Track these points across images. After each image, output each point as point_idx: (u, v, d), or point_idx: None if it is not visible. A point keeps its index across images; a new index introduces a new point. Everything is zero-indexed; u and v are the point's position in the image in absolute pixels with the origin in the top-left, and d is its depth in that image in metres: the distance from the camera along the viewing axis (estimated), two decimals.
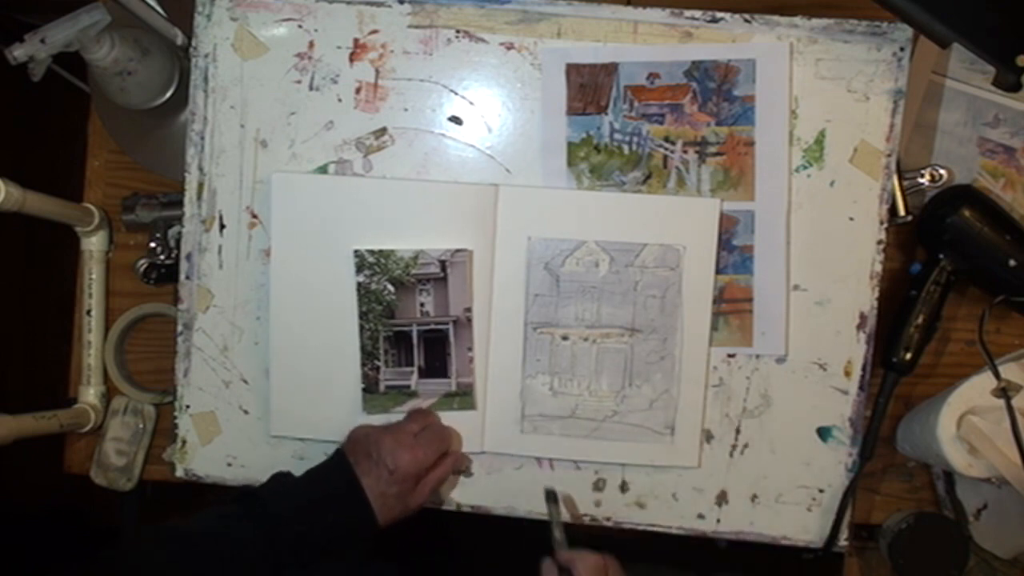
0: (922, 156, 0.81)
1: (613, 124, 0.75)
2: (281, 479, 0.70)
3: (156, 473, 0.88)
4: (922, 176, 0.80)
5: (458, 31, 0.75)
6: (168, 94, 0.82)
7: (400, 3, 0.75)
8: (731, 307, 0.75)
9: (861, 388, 0.75)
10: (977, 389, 0.73)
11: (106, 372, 0.88)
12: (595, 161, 0.75)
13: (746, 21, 0.73)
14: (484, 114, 0.76)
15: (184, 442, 0.78)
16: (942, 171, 0.80)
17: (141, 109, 0.82)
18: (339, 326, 0.74)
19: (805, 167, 0.74)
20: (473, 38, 0.75)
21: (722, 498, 0.76)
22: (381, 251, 0.74)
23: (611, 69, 0.74)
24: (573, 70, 0.75)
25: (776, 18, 0.73)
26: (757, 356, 0.75)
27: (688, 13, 0.74)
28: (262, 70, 0.76)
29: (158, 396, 0.87)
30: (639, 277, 0.74)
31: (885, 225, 0.74)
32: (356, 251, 0.73)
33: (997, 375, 0.71)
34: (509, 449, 0.76)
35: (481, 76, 0.75)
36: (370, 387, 0.75)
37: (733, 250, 0.75)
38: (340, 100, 0.76)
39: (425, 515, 0.73)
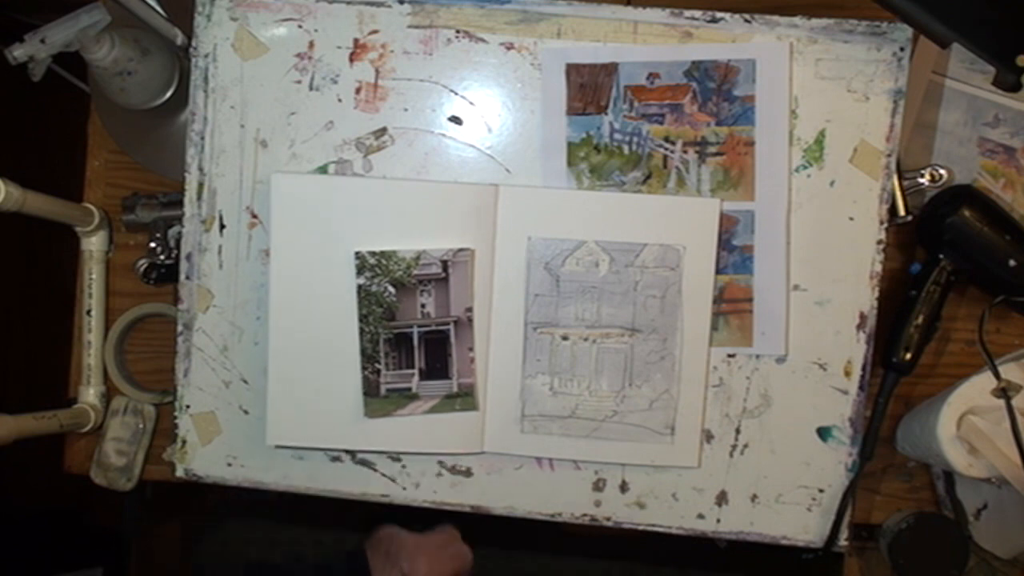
0: (922, 156, 0.81)
1: (613, 124, 0.75)
2: (298, 558, 0.69)
3: (156, 473, 0.88)
4: (922, 176, 0.80)
5: (458, 31, 0.75)
6: (168, 94, 0.82)
7: (400, 3, 0.75)
8: (731, 307, 0.75)
9: (861, 388, 0.75)
10: (977, 389, 0.73)
11: (106, 372, 0.88)
12: (595, 161, 0.75)
13: (746, 21, 0.73)
14: (484, 114, 0.76)
15: (184, 442, 0.78)
16: (942, 171, 0.80)
17: (141, 109, 0.82)
18: (339, 329, 0.74)
19: (805, 167, 0.74)
20: (473, 38, 0.75)
21: (722, 498, 0.76)
22: (382, 252, 0.73)
23: (611, 69, 0.74)
24: (573, 70, 0.75)
25: (776, 18, 0.73)
26: (757, 356, 0.75)
27: (688, 13, 0.74)
28: (262, 70, 0.76)
29: (158, 396, 0.87)
30: (639, 277, 0.74)
31: (885, 225, 0.74)
32: (357, 253, 0.73)
33: (997, 375, 0.72)
34: (509, 449, 0.76)
35: (481, 76, 0.75)
36: (371, 391, 0.75)
37: (733, 250, 0.75)
38: (340, 100, 0.76)
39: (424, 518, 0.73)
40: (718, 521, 0.76)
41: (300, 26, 0.76)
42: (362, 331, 0.74)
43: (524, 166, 0.75)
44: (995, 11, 0.76)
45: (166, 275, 0.86)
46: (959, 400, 0.73)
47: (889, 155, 0.74)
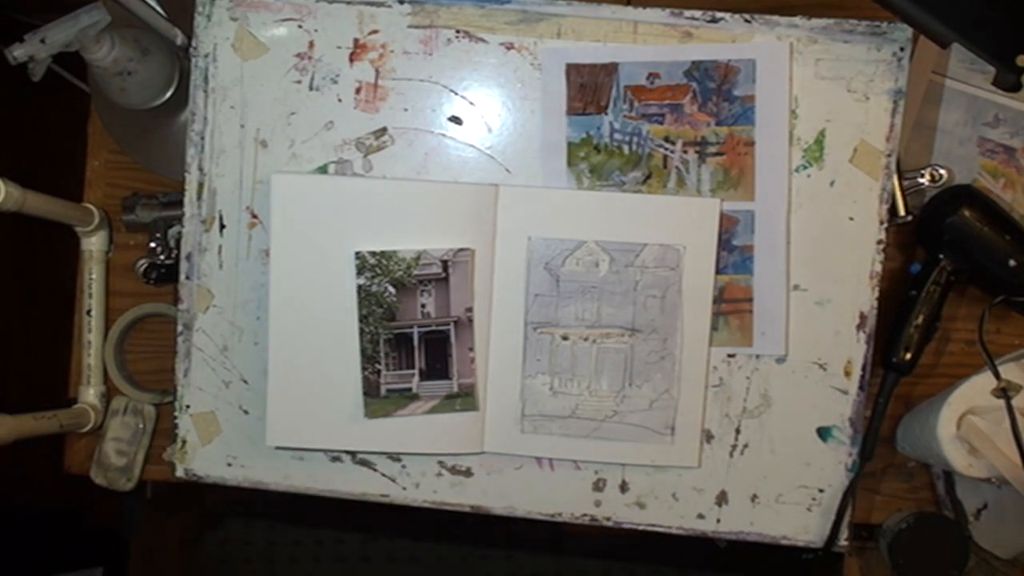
0: (922, 156, 0.81)
1: (613, 124, 0.75)
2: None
3: (156, 473, 0.88)
4: (922, 176, 0.80)
5: (458, 31, 0.75)
6: (168, 94, 0.82)
7: (400, 3, 0.75)
8: (731, 307, 0.75)
9: (861, 388, 0.75)
10: (977, 389, 0.73)
11: (106, 372, 0.88)
12: (595, 161, 0.75)
13: (746, 21, 0.73)
14: (484, 114, 0.76)
15: (184, 442, 0.78)
16: (942, 171, 0.80)
17: (141, 109, 0.82)
18: (339, 329, 0.74)
19: (805, 167, 0.74)
20: (473, 38, 0.75)
21: (722, 498, 0.76)
22: (382, 252, 0.73)
23: (611, 69, 0.74)
24: (573, 70, 0.75)
25: (776, 18, 0.73)
26: (757, 356, 0.75)
27: (688, 13, 0.74)
28: (262, 70, 0.76)
29: (158, 396, 0.87)
30: (639, 277, 0.74)
31: (885, 225, 0.74)
32: (357, 253, 0.73)
33: (997, 375, 0.72)
34: (509, 449, 0.76)
35: (481, 76, 0.75)
36: (371, 391, 0.75)
37: (733, 250, 0.75)
38: (340, 100, 0.76)
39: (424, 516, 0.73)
40: (718, 521, 0.76)
41: (300, 26, 0.76)
42: (362, 331, 0.74)
43: (524, 166, 0.75)
44: (995, 11, 0.76)
45: (166, 275, 0.86)
46: (959, 400, 0.73)
47: (889, 155, 0.74)
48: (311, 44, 0.75)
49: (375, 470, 0.77)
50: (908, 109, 0.74)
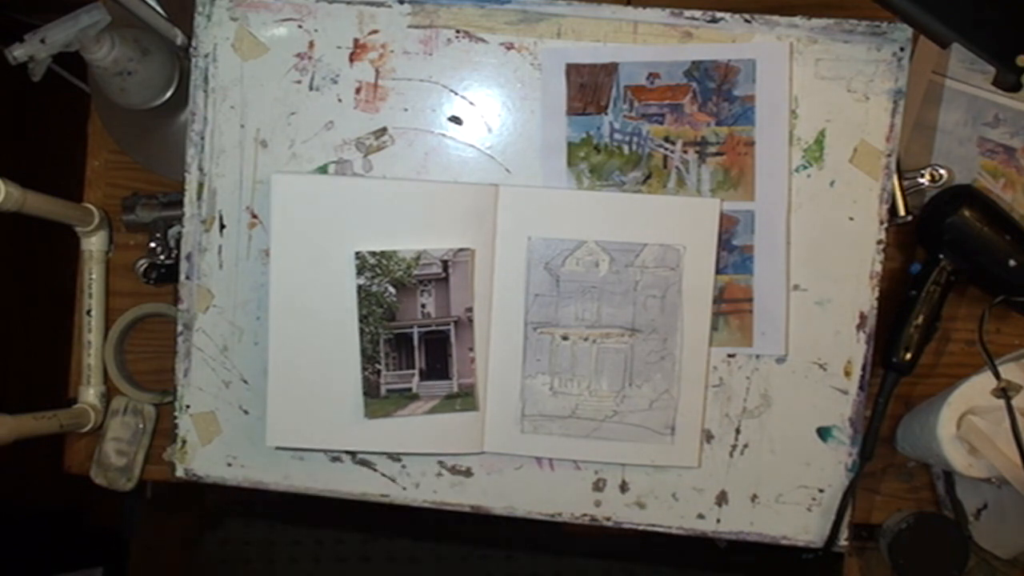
0: (922, 156, 0.81)
1: (613, 124, 0.75)
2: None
3: (156, 473, 0.88)
4: (922, 176, 0.80)
5: (458, 31, 0.75)
6: (168, 94, 0.82)
7: (400, 3, 0.75)
8: (731, 307, 0.75)
9: (861, 388, 0.75)
10: (977, 389, 0.73)
11: (106, 372, 0.88)
12: (595, 161, 0.75)
13: (746, 21, 0.73)
14: (484, 114, 0.76)
15: (184, 442, 0.78)
16: (942, 171, 0.80)
17: (141, 109, 0.82)
18: (339, 329, 0.74)
19: (805, 167, 0.74)
20: (473, 38, 0.75)
21: (722, 498, 0.76)
22: (383, 252, 0.73)
23: (611, 69, 0.74)
24: (573, 70, 0.75)
25: (776, 18, 0.73)
26: (757, 356, 0.75)
27: (688, 13, 0.74)
28: (262, 70, 0.76)
29: (158, 396, 0.87)
30: (639, 277, 0.74)
31: (885, 225, 0.74)
32: (357, 253, 0.73)
33: (997, 375, 0.72)
34: (509, 449, 0.76)
35: (481, 76, 0.75)
36: (371, 391, 0.75)
37: (733, 250, 0.75)
38: (340, 100, 0.76)
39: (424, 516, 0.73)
40: (718, 521, 0.77)
41: (300, 26, 0.76)
42: (362, 331, 0.74)
43: (524, 166, 0.75)
44: (995, 11, 0.76)
45: (166, 275, 0.86)
46: (959, 400, 0.73)
47: (889, 155, 0.74)
48: (311, 44, 0.75)
49: (375, 470, 0.77)
50: (908, 109, 0.74)
